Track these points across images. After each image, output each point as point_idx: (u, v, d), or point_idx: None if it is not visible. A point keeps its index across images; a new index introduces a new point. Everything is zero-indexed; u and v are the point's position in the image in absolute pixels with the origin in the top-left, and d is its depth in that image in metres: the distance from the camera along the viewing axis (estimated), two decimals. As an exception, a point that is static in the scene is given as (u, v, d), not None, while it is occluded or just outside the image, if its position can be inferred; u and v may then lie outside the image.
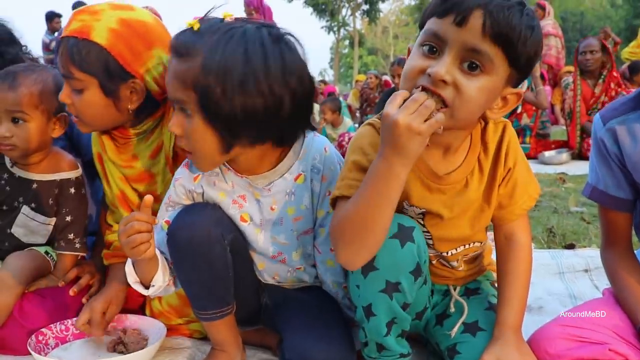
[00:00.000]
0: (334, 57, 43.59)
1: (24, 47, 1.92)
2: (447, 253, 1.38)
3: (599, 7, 36.13)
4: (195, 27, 1.26)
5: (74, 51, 1.43)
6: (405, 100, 1.06)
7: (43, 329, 1.58)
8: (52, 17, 8.44)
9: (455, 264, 1.41)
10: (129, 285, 1.43)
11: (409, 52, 1.22)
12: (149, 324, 1.66)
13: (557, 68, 9.33)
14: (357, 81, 14.13)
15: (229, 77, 1.20)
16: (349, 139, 6.36)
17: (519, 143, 1.35)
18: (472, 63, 1.09)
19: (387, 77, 10.27)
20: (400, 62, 6.13)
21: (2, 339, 1.59)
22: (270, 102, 1.24)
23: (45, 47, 7.99)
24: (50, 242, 1.76)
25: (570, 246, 2.54)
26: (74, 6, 8.04)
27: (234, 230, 1.44)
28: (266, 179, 1.42)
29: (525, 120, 6.16)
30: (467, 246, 1.39)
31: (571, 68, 10.00)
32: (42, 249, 1.73)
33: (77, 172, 1.73)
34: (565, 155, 5.55)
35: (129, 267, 1.39)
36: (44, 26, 8.54)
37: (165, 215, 1.47)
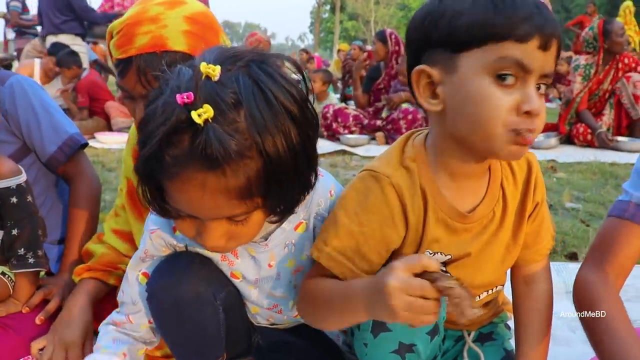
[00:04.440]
0: (314, 22, 42.90)
1: None
2: None
3: (581, -22, 35.91)
4: (208, 116, 0.87)
5: (155, 68, 1.17)
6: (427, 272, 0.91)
7: (3, 370, 1.39)
8: None
9: (476, 311, 1.26)
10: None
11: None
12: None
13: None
14: (339, 50, 13.87)
15: (293, 152, 0.94)
16: (334, 111, 6.21)
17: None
18: (538, 85, 1.00)
19: (370, 47, 10.05)
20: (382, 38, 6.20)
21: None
22: (309, 150, 1.00)
23: None
24: (2, 261, 1.53)
25: (573, 256, 2.41)
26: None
27: (227, 284, 1.23)
28: (263, 230, 1.15)
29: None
30: (490, 292, 1.25)
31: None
32: (-4, 270, 1.52)
33: (20, 179, 1.47)
34: (554, 139, 5.45)
35: None
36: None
37: (142, 266, 1.26)
